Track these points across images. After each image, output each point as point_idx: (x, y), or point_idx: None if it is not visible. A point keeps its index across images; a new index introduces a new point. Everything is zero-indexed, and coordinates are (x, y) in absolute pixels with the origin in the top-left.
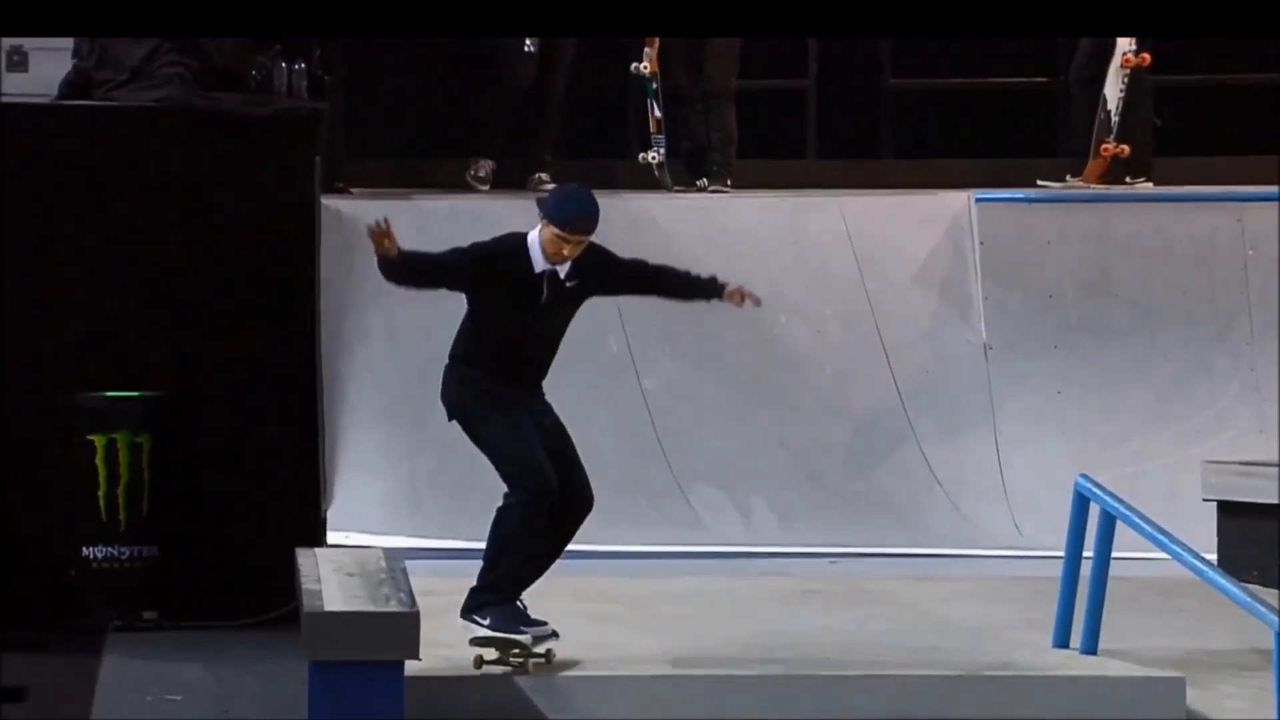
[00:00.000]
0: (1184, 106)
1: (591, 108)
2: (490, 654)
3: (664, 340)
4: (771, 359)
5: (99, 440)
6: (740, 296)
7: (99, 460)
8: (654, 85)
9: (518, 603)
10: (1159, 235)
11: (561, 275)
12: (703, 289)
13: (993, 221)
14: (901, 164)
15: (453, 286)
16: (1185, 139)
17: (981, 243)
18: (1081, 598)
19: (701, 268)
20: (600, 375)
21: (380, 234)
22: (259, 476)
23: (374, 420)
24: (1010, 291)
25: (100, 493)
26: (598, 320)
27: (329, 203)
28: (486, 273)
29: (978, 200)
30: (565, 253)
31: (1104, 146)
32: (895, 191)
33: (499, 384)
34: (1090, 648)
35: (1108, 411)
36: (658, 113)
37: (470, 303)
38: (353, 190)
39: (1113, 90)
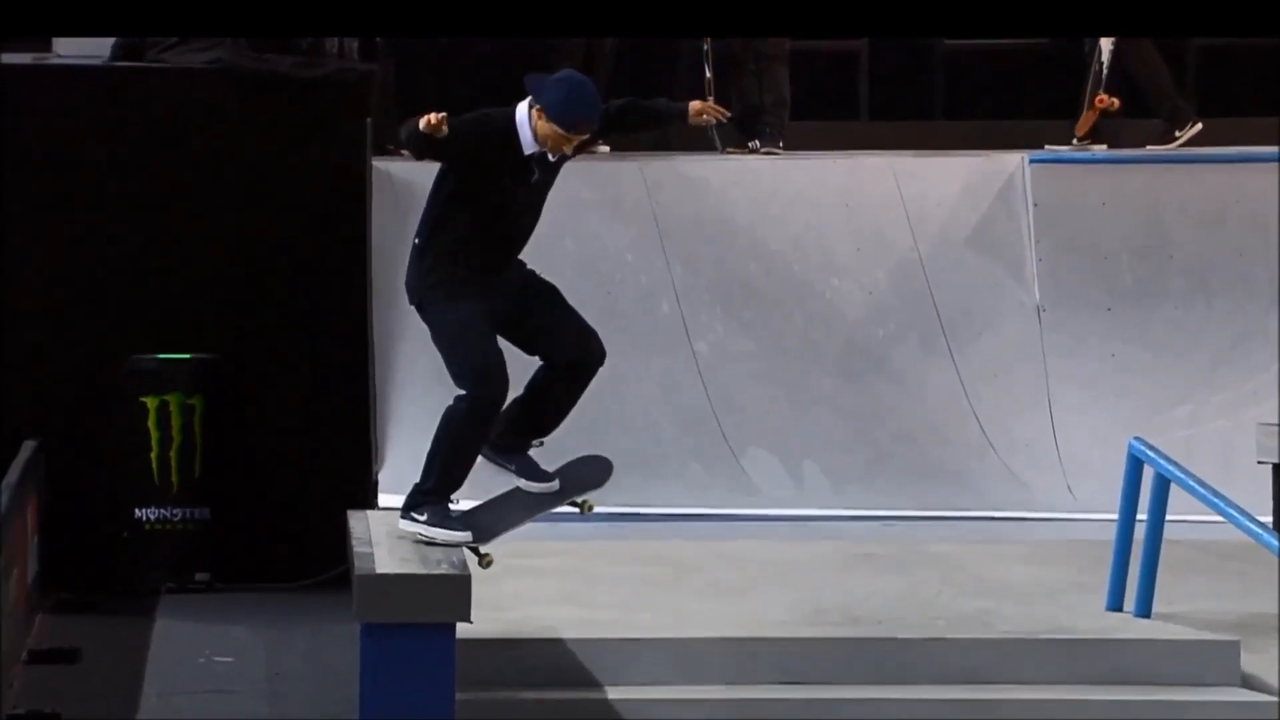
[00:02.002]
0: (1233, 67)
1: (642, 69)
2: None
3: (715, 303)
4: (823, 322)
5: (151, 402)
6: (700, 112)
7: (151, 423)
8: (705, 47)
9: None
10: (1214, 197)
11: (551, 156)
12: (663, 114)
13: (1046, 183)
14: (954, 125)
15: (451, 160)
16: (1238, 99)
17: (1035, 204)
18: (1135, 561)
19: (753, 231)
20: (652, 338)
21: (434, 125)
22: (311, 439)
23: (425, 382)
24: (1064, 253)
25: (153, 455)
26: (649, 283)
27: (380, 165)
28: (477, 152)
29: (1031, 161)
30: (568, 149)
31: (1098, 98)
32: (948, 153)
33: (466, 270)
34: (1144, 611)
35: (1162, 374)
36: (710, 74)
37: (451, 181)
38: (404, 152)
39: (1106, 41)
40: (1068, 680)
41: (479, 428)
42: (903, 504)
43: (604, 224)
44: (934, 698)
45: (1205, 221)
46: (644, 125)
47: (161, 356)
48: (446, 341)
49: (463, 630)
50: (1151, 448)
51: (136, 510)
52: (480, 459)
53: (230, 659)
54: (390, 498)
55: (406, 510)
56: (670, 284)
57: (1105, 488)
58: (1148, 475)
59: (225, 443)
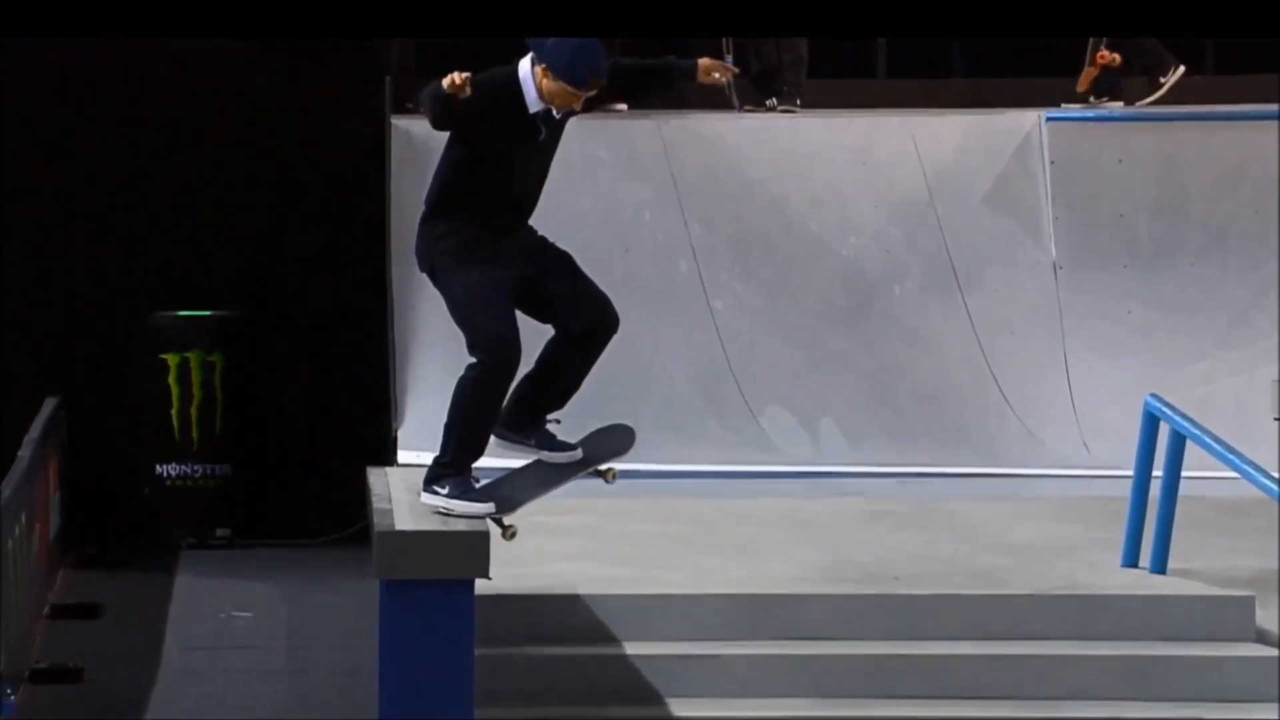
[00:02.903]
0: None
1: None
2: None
3: (733, 262)
4: (840, 280)
5: (172, 359)
6: (709, 70)
7: (172, 379)
8: None
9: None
10: (1231, 155)
11: (556, 113)
12: (672, 71)
13: (1063, 141)
14: (971, 83)
15: (462, 125)
16: (1255, 56)
17: (1052, 162)
18: (1151, 517)
19: (770, 189)
20: (669, 297)
21: (458, 85)
22: (330, 396)
23: (444, 340)
24: (1080, 211)
25: (173, 411)
26: (666, 242)
27: (399, 123)
28: (485, 112)
29: (1048, 120)
30: (577, 106)
31: (1099, 54)
32: (965, 111)
33: (474, 236)
34: (1159, 567)
35: (1178, 332)
36: None
37: (458, 147)
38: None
39: None
40: (1083, 636)
41: (493, 394)
42: (919, 461)
43: (621, 183)
44: (950, 653)
45: (1222, 179)
46: (652, 83)
47: (182, 314)
48: (458, 309)
49: (481, 586)
50: (1167, 404)
51: (157, 466)
52: (500, 443)
53: (250, 614)
54: (409, 454)
55: (428, 483)
56: (688, 243)
57: (1121, 445)
58: (1163, 432)
59: (245, 399)
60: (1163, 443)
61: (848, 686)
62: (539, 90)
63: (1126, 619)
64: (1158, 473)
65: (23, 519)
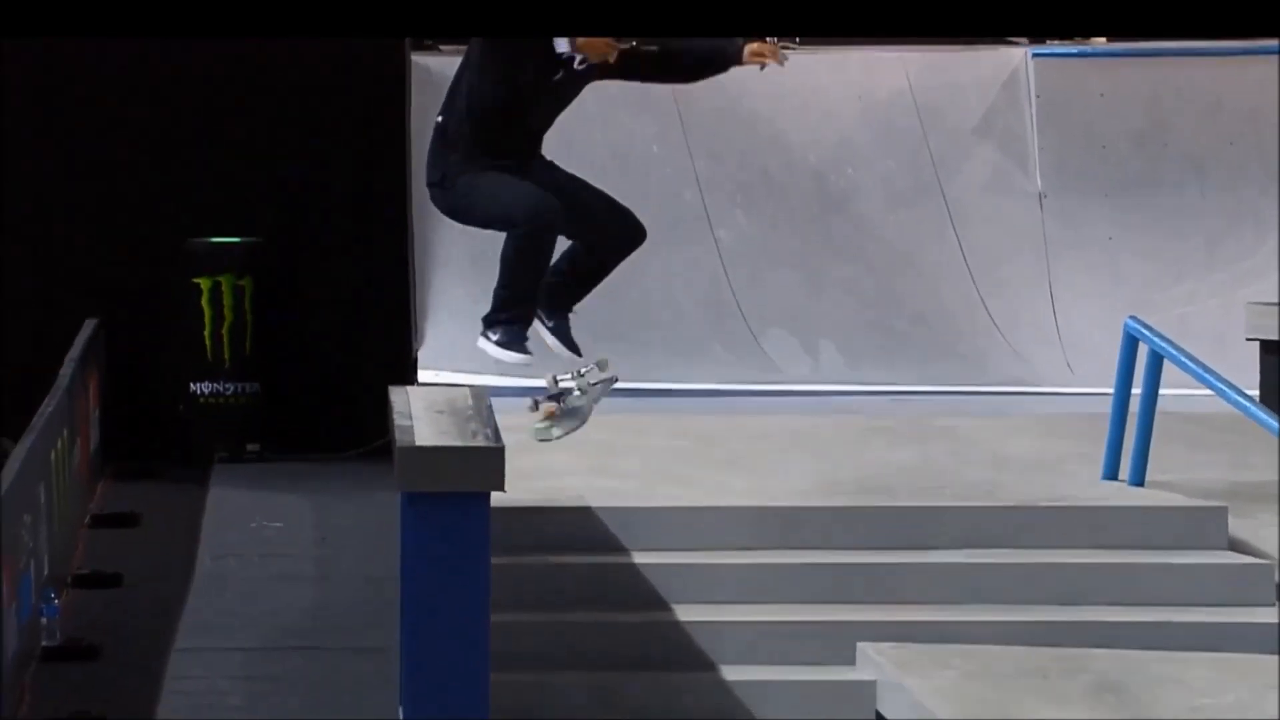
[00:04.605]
0: None
1: None
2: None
3: (736, 192)
4: (838, 209)
5: (204, 283)
6: (758, 54)
7: (205, 302)
8: None
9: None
10: (1209, 88)
11: (578, 63)
12: (717, 59)
13: (1049, 75)
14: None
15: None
16: None
17: (1038, 96)
18: (1130, 433)
19: (773, 123)
20: (675, 225)
21: None
22: (354, 317)
23: (462, 265)
24: (1065, 143)
25: (206, 332)
26: (673, 173)
27: (419, 59)
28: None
29: (1034, 55)
30: (611, 58)
31: None
32: (956, 48)
33: (487, 150)
34: (1138, 480)
35: (1157, 257)
36: None
37: (478, 55)
38: (442, 48)
39: None
40: (1066, 545)
41: (539, 252)
42: (913, 380)
43: (631, 117)
44: (941, 561)
45: (1200, 111)
46: (705, 69)
47: (214, 240)
48: (484, 201)
49: (497, 499)
50: (1146, 326)
51: (191, 385)
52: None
53: (280, 524)
54: (429, 374)
55: (483, 332)
56: (693, 175)
57: (1102, 364)
58: (1142, 352)
59: (274, 321)
60: (1142, 362)
61: (845, 593)
62: (578, 42)
63: (1107, 528)
64: (1137, 390)
65: (65, 433)
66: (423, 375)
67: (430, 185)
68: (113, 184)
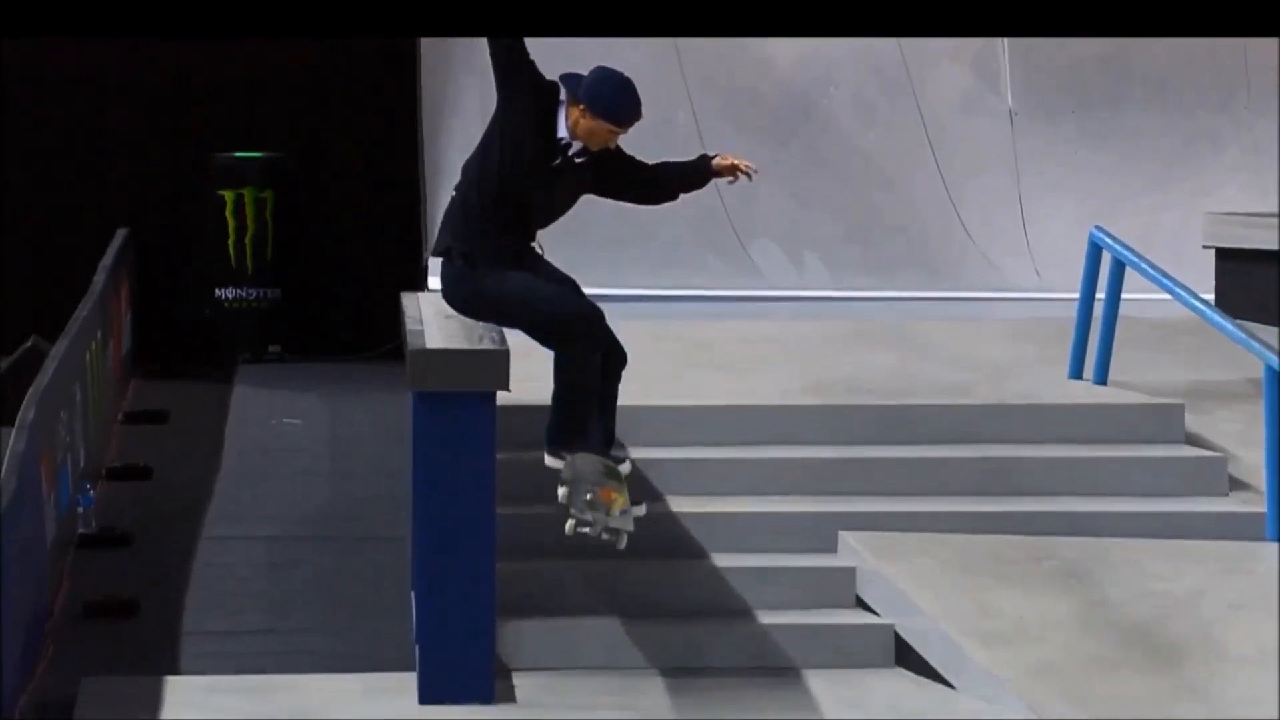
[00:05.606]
0: None
1: None
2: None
3: (727, 110)
4: (822, 128)
5: (228, 195)
6: (732, 169)
7: (228, 213)
8: None
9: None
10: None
11: (573, 151)
12: (699, 171)
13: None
14: None
15: (513, 71)
16: None
17: None
18: (1094, 336)
19: (761, 48)
20: (670, 143)
21: None
22: (368, 228)
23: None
24: (1034, 66)
25: (230, 242)
26: (666, 94)
27: None
28: (528, 95)
29: None
30: (611, 146)
31: None
32: None
33: (501, 237)
34: (1101, 379)
35: (1121, 172)
36: None
37: (491, 137)
38: None
39: None
40: (1034, 440)
41: (590, 370)
42: (892, 287)
43: (631, 48)
44: (919, 456)
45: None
46: (676, 186)
47: (237, 155)
48: (516, 307)
49: (502, 398)
50: (1110, 235)
51: (216, 290)
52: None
53: (299, 421)
54: (438, 280)
55: (551, 448)
56: (686, 96)
57: (1068, 272)
58: (1106, 260)
59: (293, 231)
60: (1106, 270)
61: (828, 486)
62: (572, 127)
63: (1073, 424)
64: (1101, 296)
65: (98, 336)
66: (433, 282)
67: (440, 253)
68: (142, 104)
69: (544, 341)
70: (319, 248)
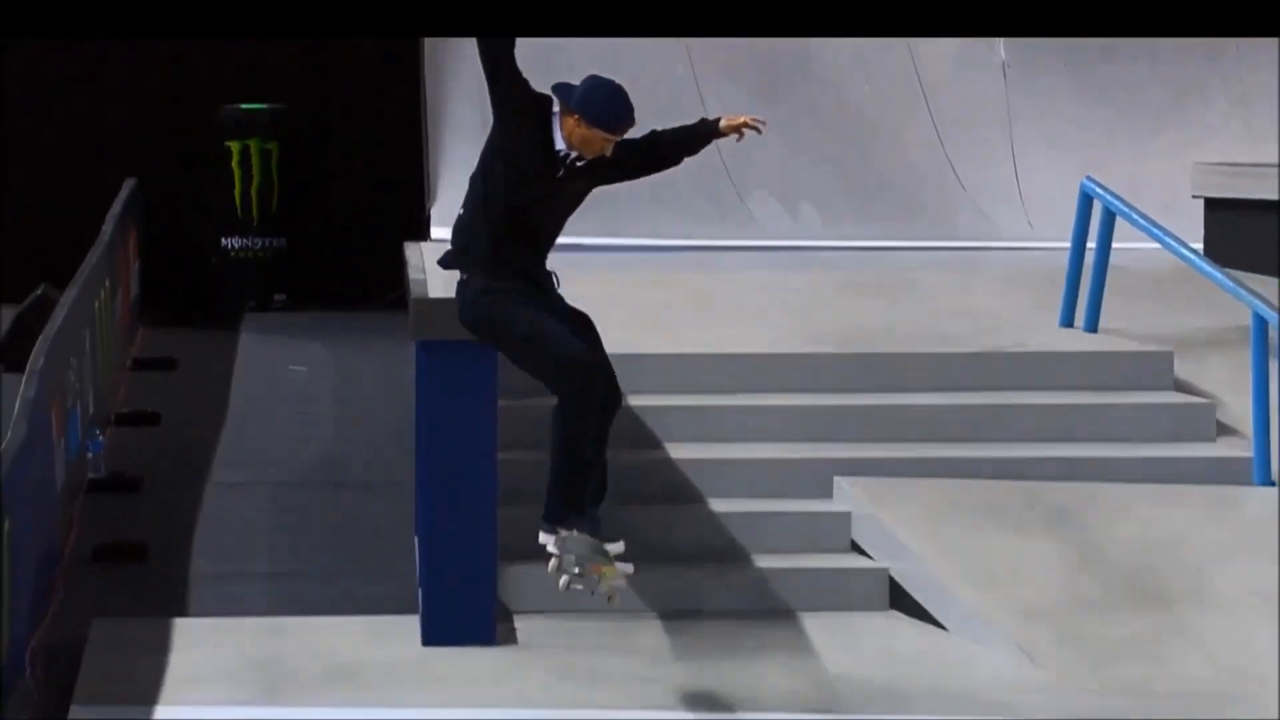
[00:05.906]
0: None
1: None
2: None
3: (725, 64)
4: (818, 80)
5: (235, 146)
6: (736, 128)
7: (235, 164)
8: None
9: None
10: None
11: (577, 160)
12: (700, 134)
13: None
14: None
15: (503, 90)
16: None
17: None
18: (1085, 284)
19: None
20: (668, 96)
21: None
22: (372, 179)
23: (471, 129)
24: None
25: (236, 192)
26: (666, 48)
27: None
28: (520, 115)
29: None
30: (607, 153)
31: None
32: None
33: (506, 266)
34: (1092, 326)
35: (1112, 123)
36: None
37: (490, 158)
38: None
39: None
40: (1025, 387)
41: (587, 422)
42: (886, 237)
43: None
44: (913, 403)
45: None
46: (677, 150)
47: (244, 106)
48: (520, 346)
49: None
50: (1101, 186)
51: (223, 240)
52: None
53: (305, 368)
54: (441, 230)
55: (548, 522)
56: (685, 49)
57: (1060, 221)
58: (1097, 210)
59: (298, 182)
60: (1096, 219)
61: (823, 432)
62: (567, 137)
63: (1064, 371)
64: (1092, 245)
65: (107, 284)
66: (435, 232)
67: (445, 268)
68: (150, 56)
69: (545, 384)
70: (324, 198)
